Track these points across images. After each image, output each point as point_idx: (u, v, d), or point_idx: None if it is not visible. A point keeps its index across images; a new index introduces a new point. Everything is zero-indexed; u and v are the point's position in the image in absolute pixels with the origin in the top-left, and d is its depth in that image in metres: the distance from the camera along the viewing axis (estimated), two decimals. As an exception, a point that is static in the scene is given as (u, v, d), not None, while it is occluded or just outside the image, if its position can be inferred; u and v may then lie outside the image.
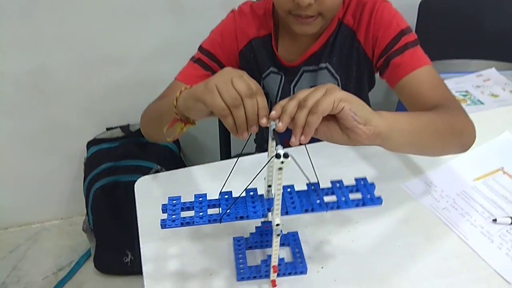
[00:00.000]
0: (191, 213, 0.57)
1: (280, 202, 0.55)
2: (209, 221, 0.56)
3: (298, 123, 0.54)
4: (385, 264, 0.66)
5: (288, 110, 0.54)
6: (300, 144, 0.55)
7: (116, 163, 1.41)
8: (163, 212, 0.57)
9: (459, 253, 0.68)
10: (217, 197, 0.59)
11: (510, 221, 0.72)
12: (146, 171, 1.38)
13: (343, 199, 0.57)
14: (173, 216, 0.56)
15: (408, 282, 0.64)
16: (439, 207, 0.76)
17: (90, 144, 1.51)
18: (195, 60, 0.91)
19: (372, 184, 0.59)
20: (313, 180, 0.58)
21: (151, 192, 0.80)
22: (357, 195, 0.58)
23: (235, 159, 0.92)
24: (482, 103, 1.29)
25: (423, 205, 0.76)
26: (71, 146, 1.56)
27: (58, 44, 1.35)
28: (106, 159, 1.43)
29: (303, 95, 0.55)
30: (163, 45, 1.43)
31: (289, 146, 0.54)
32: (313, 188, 0.59)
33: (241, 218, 0.56)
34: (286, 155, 0.49)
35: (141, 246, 0.69)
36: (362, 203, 0.57)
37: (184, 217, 0.56)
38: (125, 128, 1.51)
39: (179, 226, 0.56)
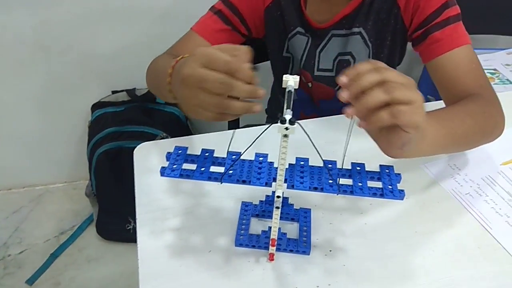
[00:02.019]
0: (194, 167, 0.55)
1: (283, 172, 0.50)
2: (209, 178, 0.53)
3: (375, 118, 0.45)
4: (399, 251, 0.61)
5: (372, 102, 0.44)
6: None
7: (121, 128, 1.37)
8: (166, 160, 0.55)
9: (481, 244, 0.63)
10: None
11: (539, 211, 0.66)
12: (151, 138, 1.33)
13: (360, 184, 0.52)
14: (174, 166, 0.54)
15: (423, 272, 0.59)
16: (462, 192, 0.70)
17: (94, 107, 1.47)
18: (215, 11, 0.84)
19: (398, 175, 0.53)
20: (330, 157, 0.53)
21: (150, 160, 0.75)
22: (377, 184, 0.53)
23: (243, 129, 0.87)
24: (511, 82, 1.21)
25: (444, 189, 0.70)
26: (75, 107, 1.52)
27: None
28: (111, 124, 1.39)
29: (398, 96, 0.44)
30: (177, 3, 1.35)
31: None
32: (330, 166, 0.53)
33: (243, 182, 0.53)
34: (292, 122, 0.43)
35: (137, 216, 0.65)
36: (380, 193, 0.51)
37: (185, 169, 0.54)
38: (131, 92, 1.45)
39: (177, 177, 0.53)
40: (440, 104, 0.88)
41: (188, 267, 0.58)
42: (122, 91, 1.47)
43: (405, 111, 0.45)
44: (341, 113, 0.89)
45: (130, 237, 1.42)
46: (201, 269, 0.58)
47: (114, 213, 1.44)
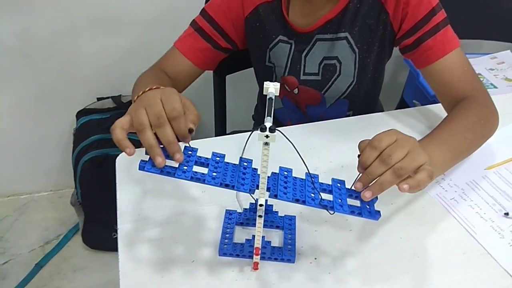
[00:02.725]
0: (176, 165, 0.52)
1: (265, 181, 0.49)
2: (191, 178, 0.51)
3: (383, 186, 0.54)
4: (385, 257, 0.61)
5: (378, 178, 0.54)
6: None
7: (106, 136, 1.35)
8: (146, 154, 0.52)
9: (466, 249, 0.62)
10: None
11: (523, 216, 0.66)
12: (137, 145, 1.30)
13: (340, 201, 0.53)
14: None
15: (409, 278, 0.58)
16: (447, 197, 0.70)
17: (79, 114, 1.45)
18: (196, 28, 0.85)
19: (375, 198, 0.55)
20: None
21: (133, 168, 0.73)
22: (356, 202, 0.54)
23: (229, 135, 0.86)
24: (495, 87, 1.22)
25: (429, 194, 0.70)
26: (60, 115, 1.49)
27: (45, 4, 1.26)
28: (96, 131, 1.37)
29: (394, 160, 0.53)
30: (161, 10, 1.34)
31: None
32: (312, 179, 0.53)
33: (226, 186, 0.51)
34: (272, 129, 0.43)
35: (118, 226, 0.64)
36: (358, 212, 0.53)
37: (166, 166, 0.51)
38: (116, 99, 1.44)
39: (157, 173, 0.50)
40: (425, 109, 0.89)
41: (171, 278, 0.57)
42: (107, 98, 1.45)
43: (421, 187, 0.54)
44: (327, 119, 0.89)
45: (116, 245, 1.39)
46: (184, 280, 0.57)
47: (100, 221, 1.41)
